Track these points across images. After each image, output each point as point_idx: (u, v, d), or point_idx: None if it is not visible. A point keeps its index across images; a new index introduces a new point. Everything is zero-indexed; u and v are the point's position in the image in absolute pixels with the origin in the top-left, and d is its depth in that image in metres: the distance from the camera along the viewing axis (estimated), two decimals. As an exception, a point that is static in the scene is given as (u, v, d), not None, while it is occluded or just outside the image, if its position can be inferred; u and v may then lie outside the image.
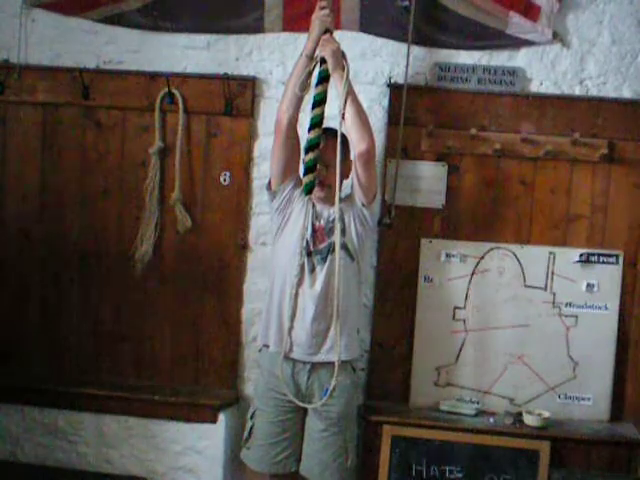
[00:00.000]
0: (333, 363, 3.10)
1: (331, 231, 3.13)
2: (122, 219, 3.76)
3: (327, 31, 3.13)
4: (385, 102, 3.61)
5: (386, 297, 3.66)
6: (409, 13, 3.44)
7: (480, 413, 3.58)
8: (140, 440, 3.70)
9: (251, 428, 3.25)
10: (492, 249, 3.61)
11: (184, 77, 3.66)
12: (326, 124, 3.18)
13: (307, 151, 3.16)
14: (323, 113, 3.17)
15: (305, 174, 3.17)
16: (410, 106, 3.52)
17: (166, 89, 3.64)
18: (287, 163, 3.20)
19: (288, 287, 3.14)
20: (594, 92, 3.55)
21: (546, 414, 3.51)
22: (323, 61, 3.13)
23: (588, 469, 3.45)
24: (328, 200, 3.16)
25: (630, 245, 3.58)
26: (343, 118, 3.07)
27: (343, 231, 3.13)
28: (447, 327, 3.63)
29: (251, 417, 3.27)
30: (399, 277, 3.65)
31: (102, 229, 3.77)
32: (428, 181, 3.62)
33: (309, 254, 3.14)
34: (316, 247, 3.15)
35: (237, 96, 3.64)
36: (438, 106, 3.59)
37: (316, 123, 3.15)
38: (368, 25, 3.57)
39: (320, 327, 3.13)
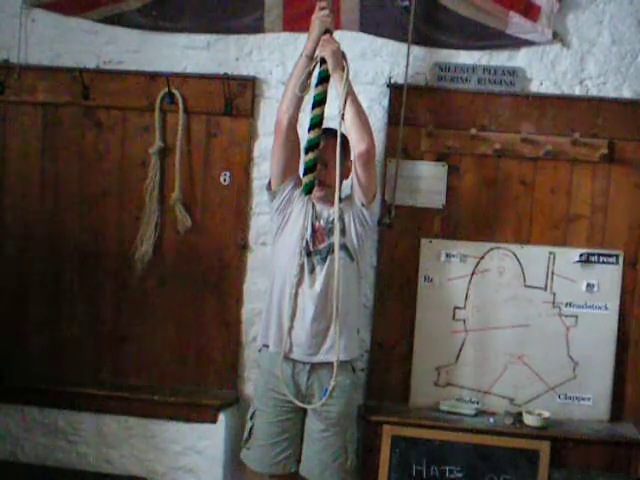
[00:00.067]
0: (333, 363, 3.10)
1: (331, 231, 3.13)
2: (122, 219, 3.76)
3: (327, 31, 3.13)
4: (385, 102, 3.61)
5: (386, 297, 3.66)
6: (409, 13, 3.45)
7: (480, 413, 3.58)
8: (140, 440, 3.70)
9: (251, 428, 3.25)
10: (492, 249, 3.61)
11: (184, 77, 3.66)
12: (326, 124, 3.18)
13: (307, 151, 3.16)
14: (323, 113, 3.17)
15: (305, 174, 3.17)
16: (410, 106, 3.53)
17: (166, 89, 3.64)
18: (287, 163, 3.20)
19: (288, 287, 3.14)
20: (594, 92, 3.55)
21: (546, 414, 3.51)
22: (323, 61, 3.13)
23: (588, 469, 3.45)
24: (328, 200, 3.16)
25: (630, 245, 3.58)
26: (343, 118, 3.07)
27: (343, 231, 3.13)
28: (447, 327, 3.63)
29: (251, 417, 3.27)
30: (399, 277, 3.65)
31: (102, 229, 3.77)
32: (428, 181, 3.62)
33: (309, 254, 3.14)
34: (316, 247, 3.15)
35: (237, 96, 3.64)
36: (438, 106, 3.59)
37: (316, 123, 3.15)
38: (368, 25, 3.57)
39: (320, 327, 3.13)
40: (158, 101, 3.65)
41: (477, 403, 3.61)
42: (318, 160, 3.16)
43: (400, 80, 3.55)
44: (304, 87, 3.13)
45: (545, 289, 3.60)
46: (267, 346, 3.22)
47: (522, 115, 3.57)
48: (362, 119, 3.07)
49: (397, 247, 3.64)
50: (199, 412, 3.64)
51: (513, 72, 3.57)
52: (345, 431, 3.19)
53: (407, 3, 3.46)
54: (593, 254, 3.57)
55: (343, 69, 3.10)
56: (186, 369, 3.77)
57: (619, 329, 3.59)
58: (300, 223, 3.16)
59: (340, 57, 3.12)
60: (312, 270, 3.13)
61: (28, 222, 3.80)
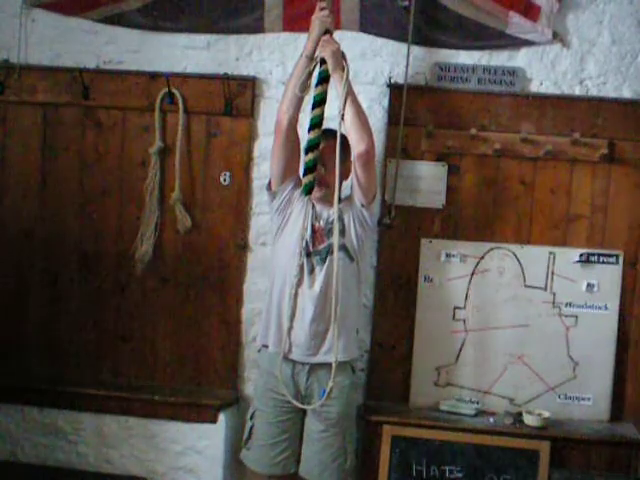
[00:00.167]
0: (332, 364, 3.09)
1: (330, 232, 3.13)
2: (122, 219, 3.76)
3: (327, 32, 3.13)
4: (385, 102, 3.61)
5: (386, 297, 3.66)
6: (409, 13, 3.45)
7: (480, 413, 3.58)
8: (140, 440, 3.70)
9: (251, 428, 3.25)
10: (492, 249, 3.61)
11: (184, 77, 3.66)
12: (326, 125, 3.18)
13: (307, 151, 3.16)
14: (323, 114, 3.17)
15: (305, 174, 3.17)
16: (410, 106, 3.53)
17: (166, 89, 3.64)
18: (287, 163, 3.20)
19: (287, 287, 3.14)
20: (594, 92, 3.55)
21: (546, 414, 3.51)
22: (323, 62, 3.13)
23: (588, 469, 3.45)
24: (327, 201, 3.16)
25: (630, 245, 3.58)
26: (343, 119, 3.07)
27: (342, 232, 3.13)
28: (447, 327, 3.63)
29: (251, 417, 3.27)
30: (399, 277, 3.65)
31: (102, 229, 3.77)
32: (428, 181, 3.61)
33: (308, 255, 3.14)
34: (315, 248, 3.15)
35: (237, 96, 3.64)
36: (438, 106, 3.59)
37: (316, 123, 3.15)
38: (368, 25, 3.57)
39: (319, 328, 3.12)
40: (158, 101, 3.65)
41: (477, 403, 3.61)
42: (318, 160, 3.16)
43: (400, 80, 3.55)
44: (304, 87, 3.13)
45: (545, 289, 3.59)
46: (267, 346, 3.22)
47: (522, 115, 3.57)
48: (362, 119, 3.07)
49: (397, 247, 3.64)
50: (199, 412, 3.64)
51: (513, 72, 3.57)
52: (344, 431, 3.19)
53: (407, 3, 3.45)
54: (593, 254, 3.57)
55: (343, 69, 3.10)
56: (186, 369, 3.77)
57: (619, 329, 3.58)
58: (300, 223, 3.16)
59: (340, 57, 3.12)
60: (312, 271, 3.13)
61: (28, 222, 3.80)
